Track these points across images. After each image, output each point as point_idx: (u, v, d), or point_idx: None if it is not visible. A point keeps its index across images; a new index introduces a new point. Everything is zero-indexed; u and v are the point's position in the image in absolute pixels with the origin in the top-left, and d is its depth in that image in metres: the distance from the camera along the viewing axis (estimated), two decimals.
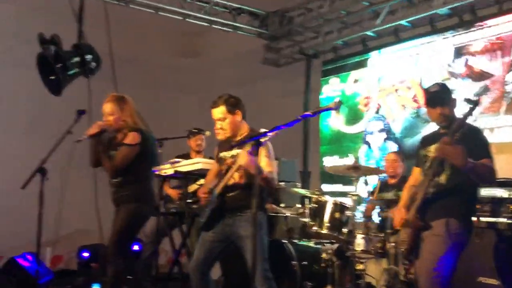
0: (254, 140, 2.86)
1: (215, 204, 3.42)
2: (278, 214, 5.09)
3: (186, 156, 5.31)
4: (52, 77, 4.22)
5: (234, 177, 3.34)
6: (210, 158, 4.80)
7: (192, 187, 4.81)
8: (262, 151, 3.26)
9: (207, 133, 4.96)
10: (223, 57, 8.57)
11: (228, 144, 3.48)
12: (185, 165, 4.31)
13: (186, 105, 8.64)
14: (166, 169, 4.41)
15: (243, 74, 8.24)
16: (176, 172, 4.36)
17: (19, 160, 6.59)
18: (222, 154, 3.55)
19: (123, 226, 3.71)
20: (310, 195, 4.75)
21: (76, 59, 4.26)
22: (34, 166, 3.62)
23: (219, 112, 3.41)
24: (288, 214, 5.04)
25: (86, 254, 6.06)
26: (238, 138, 3.46)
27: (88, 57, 4.35)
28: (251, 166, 3.11)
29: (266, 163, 3.29)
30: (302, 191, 4.97)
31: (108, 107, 3.92)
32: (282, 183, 5.41)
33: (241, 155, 3.13)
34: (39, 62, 4.21)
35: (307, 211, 4.66)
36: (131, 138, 3.79)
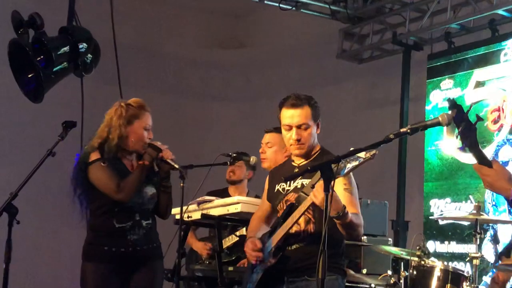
0: (329, 167, 2.87)
1: (268, 264, 3.41)
2: (359, 285, 4.97)
3: (223, 193, 5.32)
4: (30, 75, 4.33)
5: (299, 222, 3.34)
6: (257, 196, 4.78)
7: (228, 240, 4.79)
8: (341, 184, 3.27)
9: (252, 159, 4.94)
10: (280, 49, 8.59)
11: (288, 170, 3.48)
12: (218, 207, 4.32)
13: (222, 118, 8.69)
14: (191, 212, 4.42)
15: (309, 74, 8.22)
16: (204, 216, 4.36)
17: None
18: (280, 186, 3.54)
19: None
20: (407, 257, 4.67)
21: (65, 49, 4.37)
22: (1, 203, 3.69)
23: (303, 115, 3.45)
24: (373, 285, 4.94)
25: None
26: (304, 162, 3.49)
27: (82, 46, 4.45)
28: (331, 204, 3.05)
29: (348, 201, 3.28)
30: (396, 251, 4.91)
31: (150, 120, 3.99)
32: (365, 238, 5.31)
33: (316, 189, 3.10)
34: (12, 53, 4.32)
35: (402, 281, 4.59)
36: None
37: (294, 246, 3.41)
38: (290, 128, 3.47)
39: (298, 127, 3.45)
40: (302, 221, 3.35)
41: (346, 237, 3.36)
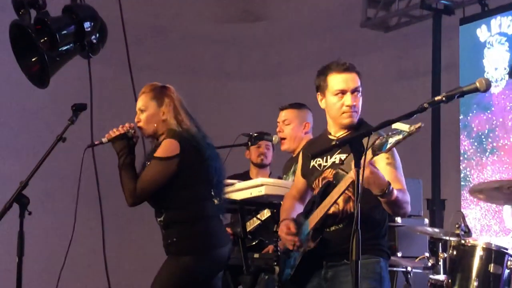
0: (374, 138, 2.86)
1: (306, 248, 3.40)
2: (394, 269, 5.07)
3: (245, 176, 5.37)
4: (34, 59, 4.35)
5: (338, 201, 3.31)
6: (279, 178, 4.81)
7: (251, 224, 4.85)
8: (384, 158, 3.24)
9: (275, 138, 4.96)
10: (298, 21, 8.58)
11: (324, 144, 3.44)
12: (240, 190, 4.34)
13: (239, 97, 8.70)
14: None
15: (331, 46, 8.21)
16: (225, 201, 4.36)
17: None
18: (315, 162, 3.52)
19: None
20: (445, 237, 4.71)
21: (70, 29, 4.38)
22: (11, 193, 3.71)
23: (357, 80, 3.43)
24: (410, 268, 4.98)
25: None
26: (343, 134, 3.46)
27: (88, 25, 4.46)
28: (374, 182, 3.08)
29: (393, 177, 3.25)
30: (433, 231, 4.94)
31: (139, 101, 4.08)
32: (399, 219, 5.34)
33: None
34: (14, 36, 4.34)
35: (441, 263, 4.65)
36: (164, 147, 3.90)
37: (332, 228, 3.39)
38: (343, 94, 3.42)
39: (353, 92, 3.42)
40: (340, 200, 3.32)
41: (392, 214, 3.34)
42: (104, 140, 3.94)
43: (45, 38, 4.29)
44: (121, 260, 6.21)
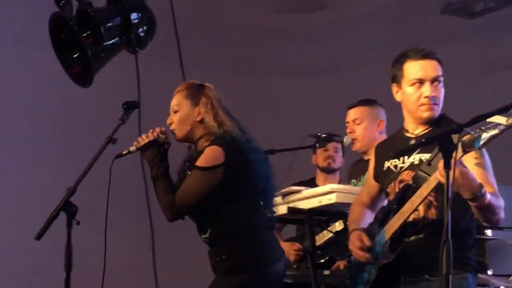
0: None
1: (383, 261, 3.37)
2: None
3: (311, 183, 5.35)
4: (76, 55, 4.42)
5: (419, 207, 3.28)
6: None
7: (320, 238, 4.84)
8: (472, 158, 3.19)
9: (346, 139, 4.93)
10: (367, 9, 8.51)
11: (400, 142, 3.43)
12: (308, 198, 4.34)
13: (300, 95, 8.68)
14: (275, 207, 4.38)
15: (405, 36, 8.10)
16: (291, 211, 4.39)
17: (32, 195, 7.06)
18: (390, 163, 3.50)
19: None
20: None
21: (116, 21, 4.44)
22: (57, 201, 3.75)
23: (438, 68, 3.41)
24: (502, 287, 4.89)
25: None
26: (422, 131, 3.42)
27: (135, 17, 4.52)
28: (464, 184, 3.04)
29: (484, 178, 3.21)
30: None
31: (173, 100, 4.07)
32: (489, 232, 5.24)
33: (442, 166, 2.99)
34: (54, 29, 4.42)
35: None
36: (207, 155, 3.89)
37: (412, 238, 3.34)
38: (421, 83, 3.39)
39: (433, 81, 3.38)
40: (421, 206, 3.29)
41: (484, 221, 3.29)
42: (133, 149, 3.94)
43: (89, 32, 4.36)
44: (171, 277, 6.27)
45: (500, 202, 3.23)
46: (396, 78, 3.47)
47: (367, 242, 3.40)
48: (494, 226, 5.11)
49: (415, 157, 3.37)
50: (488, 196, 3.12)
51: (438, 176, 3.05)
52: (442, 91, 3.42)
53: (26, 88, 7.44)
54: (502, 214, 3.25)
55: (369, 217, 3.59)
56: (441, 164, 2.99)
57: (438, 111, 3.42)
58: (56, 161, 7.34)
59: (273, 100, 8.57)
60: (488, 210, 3.17)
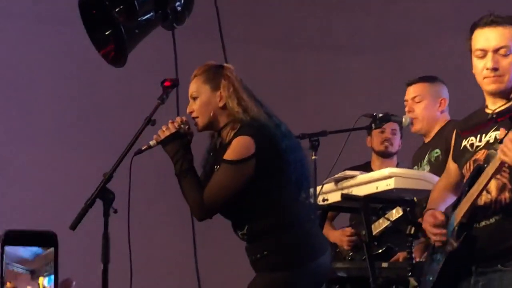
0: None
1: (450, 248, 3.35)
2: None
3: (366, 168, 5.37)
4: (108, 32, 4.46)
5: (491, 189, 3.27)
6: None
7: (377, 226, 4.85)
8: None
9: (405, 119, 4.90)
10: None
11: (480, 119, 3.41)
12: (364, 184, 4.36)
13: (351, 73, 8.65)
14: (327, 194, 4.48)
15: (475, 6, 8.00)
16: (344, 198, 4.41)
17: (68, 181, 7.18)
18: (467, 141, 3.48)
19: None
20: None
21: None
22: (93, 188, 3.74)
23: (504, 36, 3.38)
24: None
25: None
26: (503, 105, 3.38)
27: None
28: None
29: None
30: None
31: (191, 86, 4.04)
32: None
33: (505, 143, 3.03)
34: (84, 5, 4.45)
35: None
36: (237, 147, 3.87)
37: (482, 223, 3.30)
38: (484, 54, 3.37)
39: (496, 51, 3.36)
40: (494, 187, 3.26)
41: None
42: (153, 143, 3.91)
43: (121, 7, 4.38)
44: (212, 275, 6.34)
45: None
46: (470, 50, 3.48)
47: (440, 217, 3.38)
48: None
49: (491, 135, 3.34)
50: None
51: (499, 154, 3.04)
52: (510, 60, 3.36)
53: (54, 71, 7.49)
54: None
55: (449, 201, 3.57)
56: (506, 139, 3.02)
57: (504, 82, 3.37)
58: (89, 150, 7.39)
59: (321, 78, 8.53)
60: None
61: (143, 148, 3.91)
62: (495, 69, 3.35)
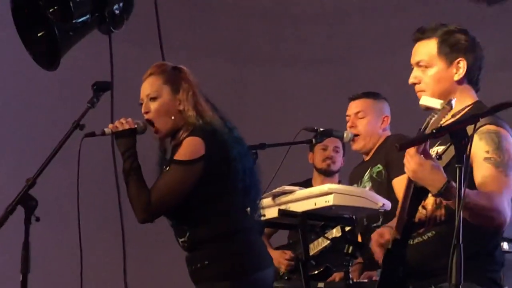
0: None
1: (389, 264, 3.34)
2: None
3: (306, 185, 5.30)
4: (41, 34, 4.37)
5: (427, 205, 3.28)
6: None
7: (315, 246, 4.87)
8: (482, 151, 3.14)
9: (346, 134, 4.92)
10: None
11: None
12: (302, 200, 4.33)
13: (298, 86, 8.68)
14: (264, 209, 4.39)
15: (421, 20, 8.05)
16: (282, 213, 4.37)
17: None
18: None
19: None
20: None
21: None
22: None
23: (424, 50, 3.39)
24: None
25: None
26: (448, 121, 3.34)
27: None
28: (423, 178, 3.07)
29: (490, 175, 3.14)
30: None
31: (147, 85, 4.01)
32: (505, 244, 5.21)
33: (406, 156, 3.07)
34: (16, 4, 4.38)
35: None
36: (187, 148, 3.88)
37: (416, 240, 3.32)
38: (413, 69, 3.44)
39: (417, 65, 3.40)
40: (430, 204, 3.27)
41: (477, 224, 3.13)
42: (108, 131, 3.90)
43: (55, 7, 4.32)
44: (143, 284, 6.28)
45: (489, 202, 3.09)
46: None
47: (387, 236, 3.37)
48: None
49: (434, 150, 3.33)
50: (468, 192, 2.98)
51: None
52: (432, 74, 3.36)
53: None
54: (496, 217, 3.12)
55: None
56: (409, 150, 3.05)
57: (432, 96, 3.34)
58: (16, 153, 7.29)
59: (266, 91, 8.56)
60: (467, 208, 3.01)
61: (96, 133, 3.88)
62: (414, 84, 3.41)
